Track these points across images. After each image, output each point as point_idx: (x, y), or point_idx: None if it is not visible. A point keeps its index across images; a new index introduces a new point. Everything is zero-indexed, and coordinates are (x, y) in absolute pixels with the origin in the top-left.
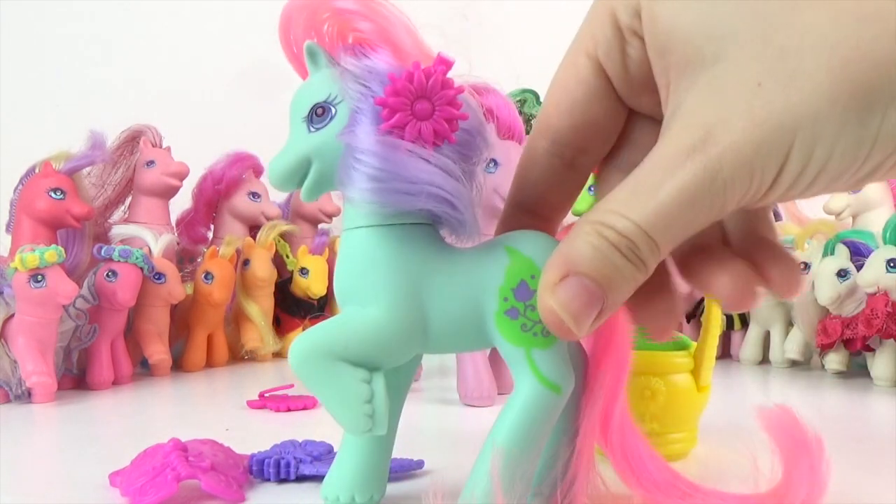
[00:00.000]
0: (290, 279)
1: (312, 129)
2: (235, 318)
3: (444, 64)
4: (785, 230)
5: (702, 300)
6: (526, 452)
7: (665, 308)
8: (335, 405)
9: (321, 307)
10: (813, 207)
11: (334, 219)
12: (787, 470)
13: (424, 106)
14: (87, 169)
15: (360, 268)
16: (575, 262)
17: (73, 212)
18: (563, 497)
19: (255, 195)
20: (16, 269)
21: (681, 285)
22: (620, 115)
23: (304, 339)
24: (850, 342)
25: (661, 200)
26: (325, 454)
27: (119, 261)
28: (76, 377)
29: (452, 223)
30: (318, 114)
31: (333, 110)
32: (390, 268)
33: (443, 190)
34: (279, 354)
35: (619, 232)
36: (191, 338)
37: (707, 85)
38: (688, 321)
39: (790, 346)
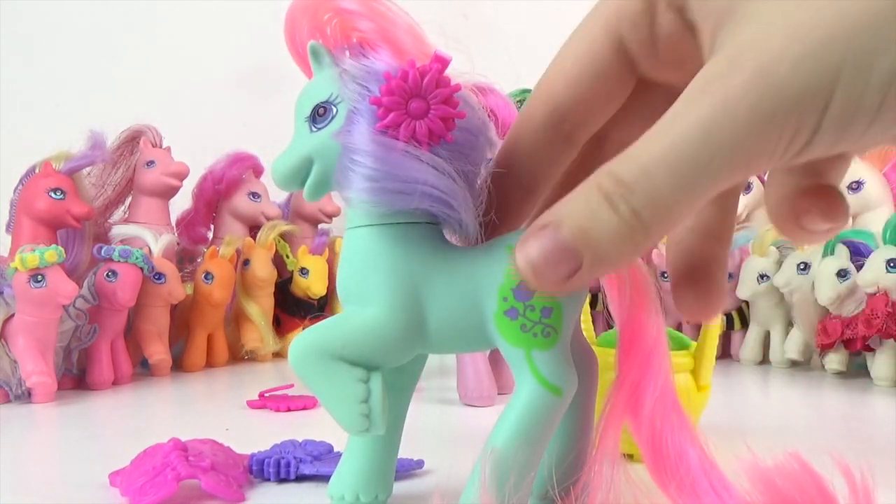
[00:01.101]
0: (290, 279)
1: (314, 129)
2: (235, 318)
3: (440, 62)
4: None
5: None
6: (525, 455)
7: (706, 285)
8: (332, 404)
9: (321, 307)
10: None
11: (334, 219)
12: None
13: (419, 105)
14: (87, 169)
15: (360, 267)
16: (559, 212)
17: (73, 212)
18: (577, 501)
19: (255, 195)
20: (16, 269)
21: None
22: (626, 92)
23: (303, 338)
24: (850, 342)
25: (670, 140)
26: (325, 454)
27: (119, 261)
28: (76, 377)
29: (451, 223)
30: (320, 114)
31: (334, 110)
32: (388, 267)
33: (437, 189)
34: (279, 354)
35: (615, 177)
36: (191, 338)
37: (747, 13)
38: (688, 321)
39: (790, 346)
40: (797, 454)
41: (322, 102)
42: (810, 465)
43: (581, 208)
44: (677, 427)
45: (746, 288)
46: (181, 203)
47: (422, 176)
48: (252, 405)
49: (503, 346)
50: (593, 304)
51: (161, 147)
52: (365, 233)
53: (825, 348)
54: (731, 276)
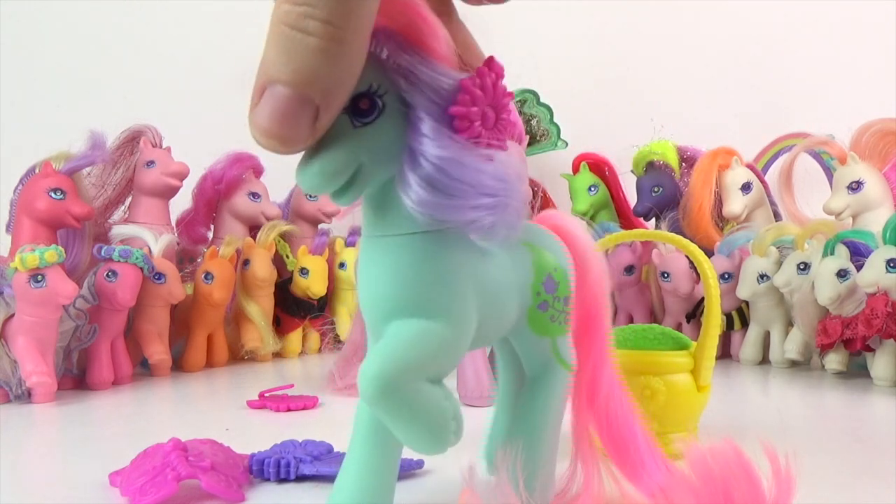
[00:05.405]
0: (290, 279)
1: (358, 123)
2: (235, 318)
3: (499, 71)
4: (785, 230)
5: (701, 300)
6: (555, 436)
7: None
8: (423, 426)
9: (321, 307)
10: (813, 207)
11: (334, 219)
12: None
13: (491, 115)
14: (87, 169)
15: (421, 277)
16: (264, 71)
17: (73, 212)
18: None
19: (255, 195)
20: (16, 269)
21: (681, 287)
22: None
23: (383, 366)
24: (849, 342)
25: None
26: (325, 454)
27: (119, 261)
28: (76, 377)
29: (493, 223)
30: (363, 106)
31: (380, 102)
32: (454, 275)
33: (503, 192)
34: (279, 354)
35: (291, 3)
36: (191, 338)
37: None
38: (688, 321)
39: (790, 346)
40: (730, 440)
41: (363, 93)
42: (740, 449)
43: (277, 52)
44: (627, 409)
45: (746, 288)
46: (181, 203)
47: (492, 181)
48: (252, 405)
49: (528, 339)
50: None
51: (161, 147)
52: (416, 240)
53: (825, 348)
54: (730, 276)
